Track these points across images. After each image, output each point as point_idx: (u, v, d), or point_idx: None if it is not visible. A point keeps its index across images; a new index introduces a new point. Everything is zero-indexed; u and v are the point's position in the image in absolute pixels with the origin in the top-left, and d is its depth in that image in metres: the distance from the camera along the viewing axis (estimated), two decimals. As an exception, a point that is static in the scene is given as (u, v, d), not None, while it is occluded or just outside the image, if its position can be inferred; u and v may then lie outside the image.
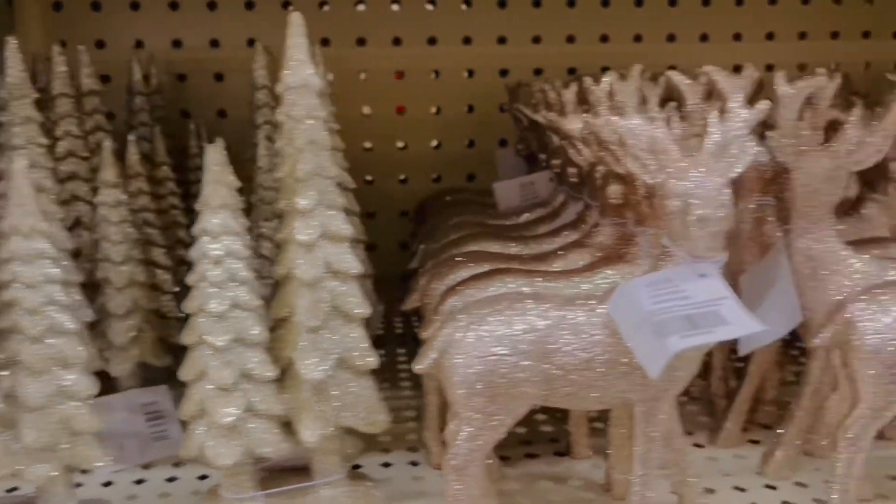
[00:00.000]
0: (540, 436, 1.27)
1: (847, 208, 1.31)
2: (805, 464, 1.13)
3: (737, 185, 1.16)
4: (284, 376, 0.96)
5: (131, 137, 1.30)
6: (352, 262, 0.95)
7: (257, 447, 0.92)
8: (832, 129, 1.04)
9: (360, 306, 0.95)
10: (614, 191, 1.09)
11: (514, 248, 1.24)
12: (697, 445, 1.22)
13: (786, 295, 1.04)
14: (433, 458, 1.17)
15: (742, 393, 1.20)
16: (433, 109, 1.91)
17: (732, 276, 1.19)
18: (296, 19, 0.93)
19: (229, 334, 0.91)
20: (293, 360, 0.94)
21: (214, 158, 0.90)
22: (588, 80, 1.11)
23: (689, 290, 0.85)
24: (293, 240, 0.93)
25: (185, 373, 0.93)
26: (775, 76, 1.02)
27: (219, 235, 0.90)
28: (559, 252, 1.15)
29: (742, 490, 1.08)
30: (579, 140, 1.15)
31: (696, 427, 1.28)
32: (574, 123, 1.17)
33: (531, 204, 1.52)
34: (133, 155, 1.29)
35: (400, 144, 1.92)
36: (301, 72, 0.92)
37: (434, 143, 1.93)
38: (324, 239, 0.93)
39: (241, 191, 0.93)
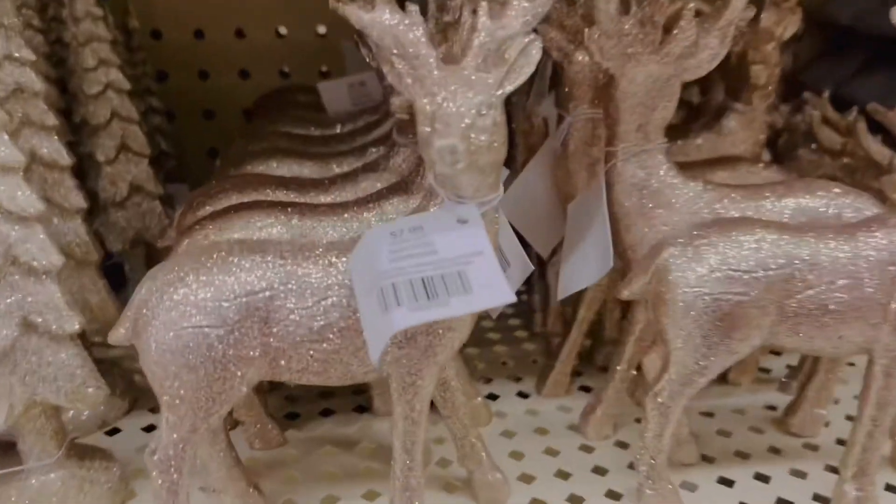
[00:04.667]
0: (343, 390, 1.10)
1: (707, 120, 1.13)
2: (631, 416, 0.99)
3: (569, 92, 0.97)
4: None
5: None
6: (30, 198, 0.73)
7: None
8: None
9: (46, 255, 0.74)
10: (399, 102, 0.88)
11: (306, 170, 1.03)
12: (522, 395, 1.07)
13: (600, 231, 0.86)
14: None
15: (570, 340, 1.04)
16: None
17: (562, 203, 1.02)
18: None
19: None
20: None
21: None
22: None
23: (440, 242, 0.66)
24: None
25: None
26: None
27: None
28: (351, 177, 0.95)
29: (553, 454, 0.93)
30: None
31: (528, 371, 1.12)
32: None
33: (364, 108, 1.30)
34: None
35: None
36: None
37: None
38: (-16, 172, 0.71)
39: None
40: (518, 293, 1.39)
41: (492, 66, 0.66)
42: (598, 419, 0.96)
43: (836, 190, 0.87)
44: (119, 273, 1.23)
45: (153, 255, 1.23)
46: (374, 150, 1.04)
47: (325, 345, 0.69)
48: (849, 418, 0.98)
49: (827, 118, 1.18)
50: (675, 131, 1.12)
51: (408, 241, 0.66)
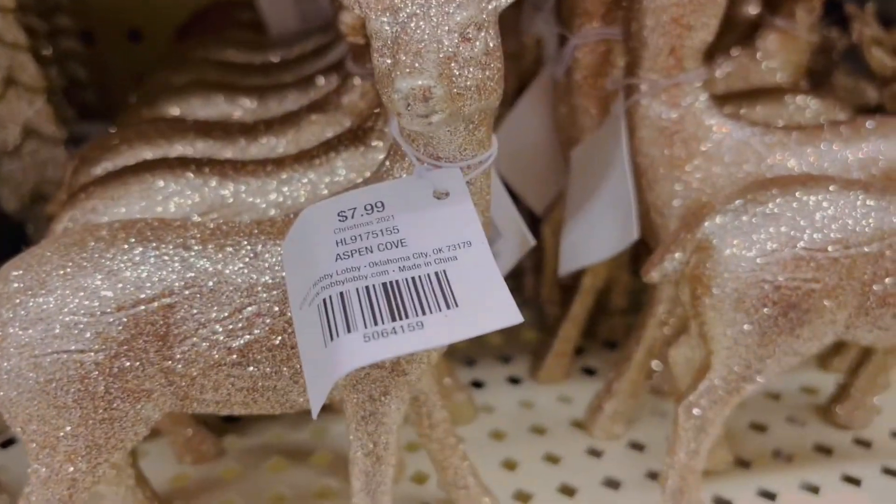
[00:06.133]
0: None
1: (735, 39, 0.92)
2: (646, 409, 0.82)
3: (575, 5, 0.75)
4: None
5: None
6: None
7: None
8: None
9: None
10: (350, 20, 0.67)
11: (238, 110, 0.82)
12: (513, 381, 0.89)
13: (620, 189, 0.67)
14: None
15: (571, 315, 0.86)
16: None
17: (563, 148, 0.82)
18: None
19: None
20: None
21: None
22: None
23: (409, 227, 0.46)
24: None
25: None
26: None
27: None
28: (292, 120, 0.73)
29: (554, 461, 0.76)
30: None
31: (518, 348, 0.94)
32: None
33: (315, 27, 1.08)
34: None
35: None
36: None
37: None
38: None
39: None
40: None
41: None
42: (607, 417, 0.78)
43: (918, 131, 0.68)
44: (20, 236, 1.01)
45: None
46: (322, 82, 0.82)
47: (251, 368, 0.50)
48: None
49: (877, 38, 0.98)
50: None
51: (363, 226, 0.46)
